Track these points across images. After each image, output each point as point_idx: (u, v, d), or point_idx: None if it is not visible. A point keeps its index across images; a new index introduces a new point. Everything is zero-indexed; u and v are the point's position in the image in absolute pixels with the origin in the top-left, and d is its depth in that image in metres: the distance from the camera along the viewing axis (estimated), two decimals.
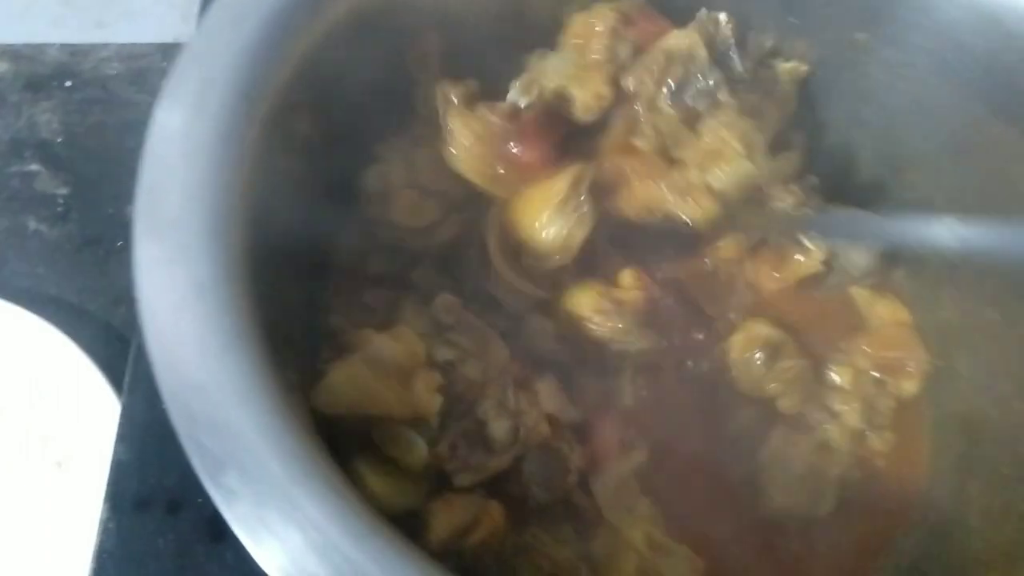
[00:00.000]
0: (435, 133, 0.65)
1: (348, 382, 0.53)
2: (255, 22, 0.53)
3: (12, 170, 0.84)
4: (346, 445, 0.53)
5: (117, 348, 0.74)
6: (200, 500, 0.63)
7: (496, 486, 0.57)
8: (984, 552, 0.62)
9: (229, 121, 0.49)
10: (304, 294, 0.62)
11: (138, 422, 0.65)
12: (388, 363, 0.54)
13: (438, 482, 0.56)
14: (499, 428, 0.57)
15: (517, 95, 0.65)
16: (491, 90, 0.66)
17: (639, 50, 0.66)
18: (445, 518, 0.54)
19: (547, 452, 0.59)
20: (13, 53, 0.88)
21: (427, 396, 0.55)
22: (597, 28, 0.66)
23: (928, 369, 0.68)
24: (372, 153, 0.66)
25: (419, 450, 0.55)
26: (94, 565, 0.62)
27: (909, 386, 0.68)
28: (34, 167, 0.84)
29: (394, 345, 0.56)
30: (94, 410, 0.70)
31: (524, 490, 0.58)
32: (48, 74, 0.87)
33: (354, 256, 0.65)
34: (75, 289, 0.78)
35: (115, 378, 0.71)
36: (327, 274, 0.65)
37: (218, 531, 0.63)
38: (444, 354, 0.58)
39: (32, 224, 0.82)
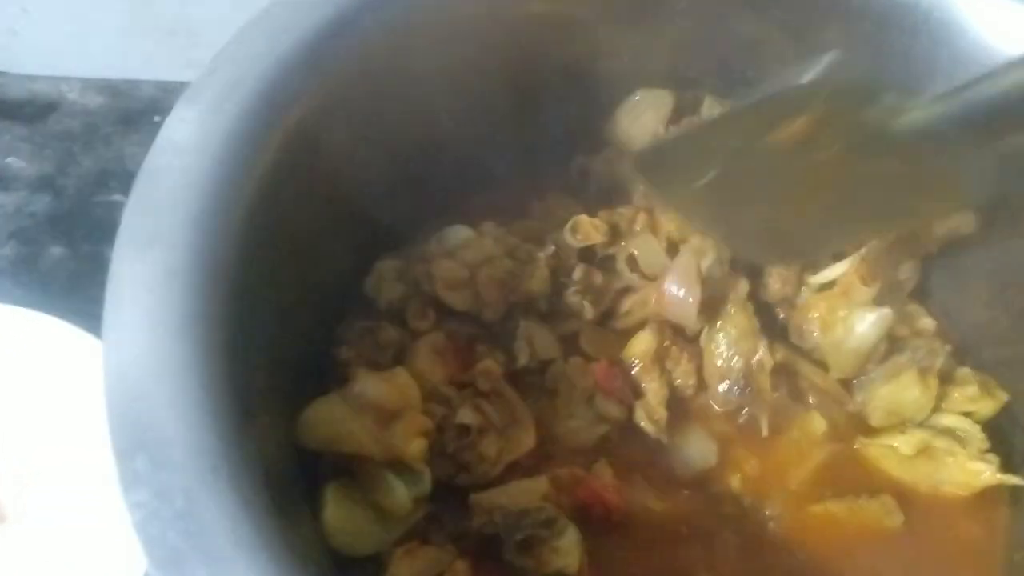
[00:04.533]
0: None
1: (324, 419, 0.53)
2: (294, 35, 0.52)
3: (97, 199, 0.86)
4: (326, 470, 0.53)
5: None
6: None
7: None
8: None
9: (246, 124, 0.47)
10: (312, 322, 0.59)
11: None
12: (371, 403, 0.54)
13: (412, 534, 0.54)
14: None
15: None
16: None
17: None
18: (405, 567, 0.52)
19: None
20: (111, 88, 0.91)
21: (406, 440, 0.53)
22: None
23: None
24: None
25: (398, 495, 0.53)
26: None
27: None
28: (117, 197, 0.85)
29: (382, 386, 0.55)
30: None
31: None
32: (140, 109, 0.90)
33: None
34: None
35: None
36: (345, 304, 0.64)
37: None
38: (467, 418, 0.57)
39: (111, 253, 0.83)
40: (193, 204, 0.44)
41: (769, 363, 0.59)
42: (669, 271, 0.62)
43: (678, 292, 0.61)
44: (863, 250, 0.62)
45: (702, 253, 0.62)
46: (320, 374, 0.60)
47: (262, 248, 0.48)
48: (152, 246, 0.41)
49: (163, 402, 0.37)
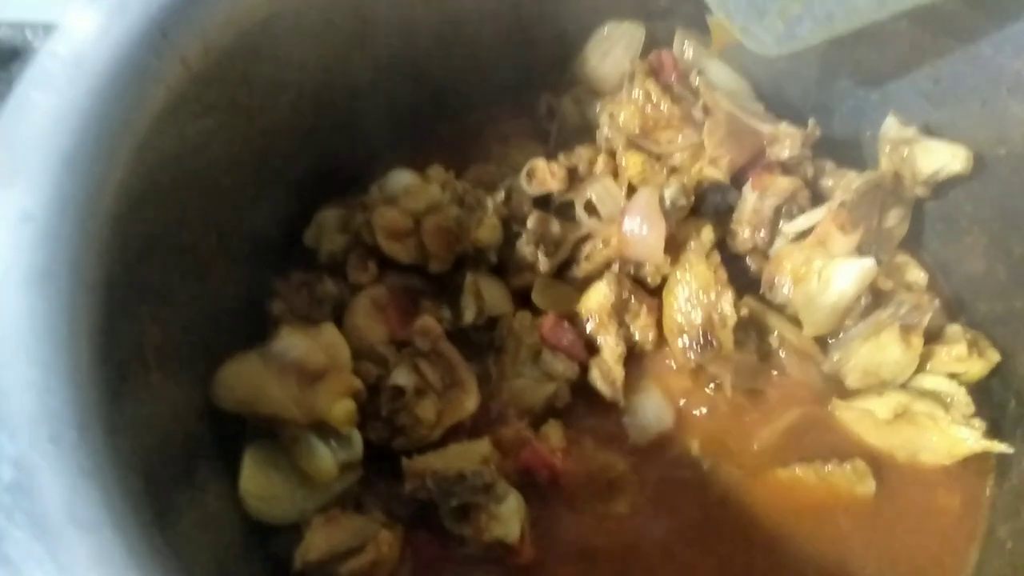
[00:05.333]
0: None
1: (239, 378, 0.49)
2: None
3: None
4: (252, 433, 0.50)
5: None
6: None
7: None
8: None
9: (134, 54, 0.42)
10: (242, 273, 0.56)
11: None
12: (293, 362, 0.50)
13: (344, 501, 0.51)
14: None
15: None
16: None
17: None
18: (323, 537, 0.48)
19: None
20: None
21: (330, 401, 0.49)
22: None
23: None
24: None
25: (322, 459, 0.50)
26: None
27: None
28: None
29: (306, 343, 0.51)
30: None
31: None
32: None
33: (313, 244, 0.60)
34: None
35: None
36: (289, 256, 0.60)
37: None
38: (402, 378, 0.53)
39: None
40: (64, 142, 0.39)
41: (732, 318, 0.54)
42: (629, 207, 0.57)
43: (640, 229, 0.56)
44: (841, 195, 0.57)
45: (665, 187, 0.57)
46: (258, 331, 0.56)
47: (160, 192, 0.44)
48: (10, 187, 0.37)
49: (1, 362, 0.34)
